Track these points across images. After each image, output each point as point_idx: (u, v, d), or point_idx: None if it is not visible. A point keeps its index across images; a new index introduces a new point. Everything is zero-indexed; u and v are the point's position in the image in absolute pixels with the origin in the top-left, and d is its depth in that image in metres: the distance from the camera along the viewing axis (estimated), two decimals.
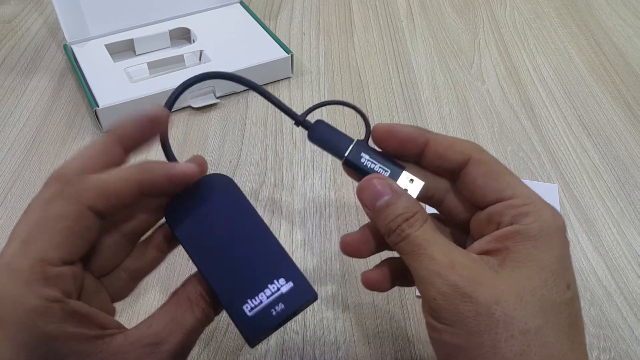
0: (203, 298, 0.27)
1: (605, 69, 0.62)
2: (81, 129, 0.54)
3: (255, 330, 0.25)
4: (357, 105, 0.37)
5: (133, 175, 0.26)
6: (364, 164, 0.30)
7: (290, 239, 0.44)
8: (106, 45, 0.59)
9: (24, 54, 0.63)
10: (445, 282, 0.25)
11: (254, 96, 0.58)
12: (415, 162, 0.30)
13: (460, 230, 0.31)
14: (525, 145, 0.53)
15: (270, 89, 0.59)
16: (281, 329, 0.38)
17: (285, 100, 0.57)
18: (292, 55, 0.58)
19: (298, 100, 0.57)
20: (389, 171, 0.29)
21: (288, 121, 0.55)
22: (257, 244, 0.27)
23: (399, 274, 0.31)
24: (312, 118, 0.31)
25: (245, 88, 0.58)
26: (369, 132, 0.31)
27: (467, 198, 0.29)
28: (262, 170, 0.50)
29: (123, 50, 0.61)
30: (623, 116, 0.56)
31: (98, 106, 0.51)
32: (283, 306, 0.26)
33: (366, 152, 0.30)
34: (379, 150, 0.30)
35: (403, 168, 0.29)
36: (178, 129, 0.54)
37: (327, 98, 0.58)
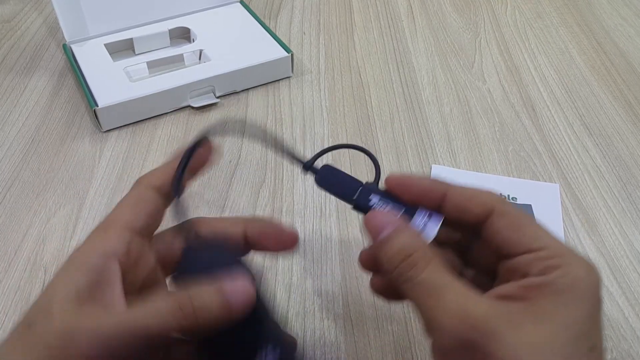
0: None
1: (607, 69, 0.62)
2: (80, 128, 0.53)
3: None
4: (366, 147, 0.35)
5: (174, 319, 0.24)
6: (374, 207, 0.28)
7: None
8: (105, 45, 0.59)
9: (23, 54, 0.63)
10: (457, 334, 0.23)
11: (254, 96, 0.58)
12: None
13: (483, 275, 0.28)
14: (527, 145, 0.53)
15: (270, 88, 0.59)
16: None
17: (285, 99, 0.57)
18: (292, 55, 0.58)
19: (298, 100, 0.57)
20: (403, 209, 0.28)
21: (288, 121, 0.55)
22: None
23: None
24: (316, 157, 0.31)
25: (245, 88, 0.58)
26: (379, 173, 0.30)
27: (493, 249, 0.26)
28: (262, 170, 0.50)
29: (122, 49, 0.61)
30: (624, 116, 0.56)
31: (97, 106, 0.51)
32: None
33: (376, 194, 0.28)
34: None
35: (417, 206, 0.28)
36: (178, 129, 0.54)
37: (327, 98, 0.57)
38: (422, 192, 0.28)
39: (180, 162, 0.28)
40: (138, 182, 0.28)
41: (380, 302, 0.40)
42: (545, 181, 0.49)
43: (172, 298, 0.24)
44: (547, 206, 0.47)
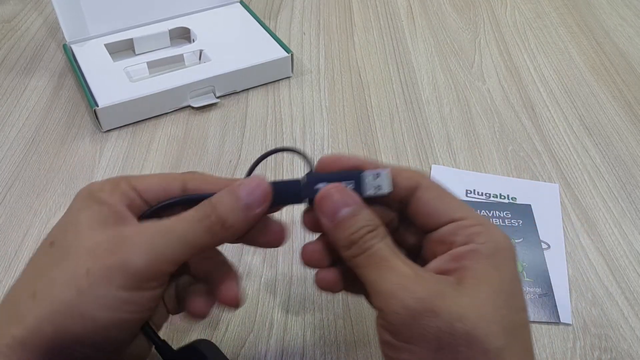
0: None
1: (606, 69, 0.62)
2: (80, 128, 0.53)
3: None
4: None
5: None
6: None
7: (291, 239, 0.44)
8: (106, 45, 0.59)
9: (24, 54, 0.63)
10: (411, 295, 0.24)
11: (254, 96, 0.58)
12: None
13: (409, 256, 0.29)
14: (526, 145, 0.53)
15: (270, 88, 0.59)
16: (281, 329, 0.38)
17: (285, 99, 0.57)
18: (292, 55, 0.58)
19: (298, 100, 0.57)
20: (353, 180, 0.28)
21: (288, 121, 0.55)
22: None
23: (349, 278, 0.29)
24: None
25: (245, 88, 0.58)
26: (310, 163, 0.29)
27: (419, 222, 0.28)
28: (262, 169, 0.50)
29: (123, 49, 0.61)
30: (624, 116, 0.56)
31: (97, 106, 0.51)
32: None
33: (320, 180, 0.28)
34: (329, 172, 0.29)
35: (361, 171, 0.28)
36: (178, 129, 0.54)
37: (327, 98, 0.58)
38: (354, 167, 0.28)
39: (252, 166, 0.30)
40: (182, 174, 0.29)
41: None
42: (545, 181, 0.49)
43: (197, 209, 0.26)
44: (546, 206, 0.47)
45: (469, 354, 0.23)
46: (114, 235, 0.25)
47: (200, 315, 0.30)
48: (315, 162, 0.29)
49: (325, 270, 0.29)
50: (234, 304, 0.29)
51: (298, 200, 0.29)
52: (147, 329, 0.28)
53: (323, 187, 0.27)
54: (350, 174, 0.28)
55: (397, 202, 0.28)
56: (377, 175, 0.28)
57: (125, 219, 0.27)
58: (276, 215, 0.29)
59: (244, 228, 0.27)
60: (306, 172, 0.29)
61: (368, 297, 0.29)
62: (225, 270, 0.30)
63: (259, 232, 0.29)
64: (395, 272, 0.25)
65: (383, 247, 0.26)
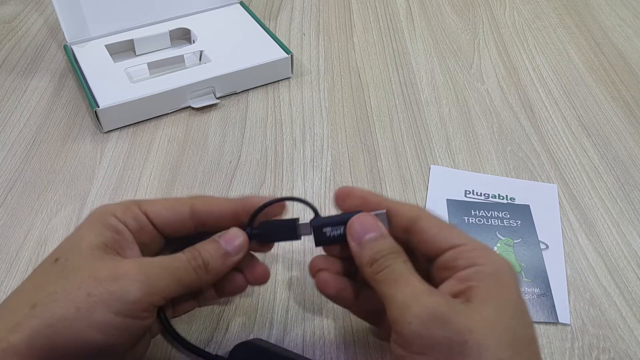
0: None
1: (605, 69, 0.63)
2: (81, 129, 0.54)
3: None
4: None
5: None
6: (330, 235, 0.32)
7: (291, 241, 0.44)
8: (106, 46, 0.59)
9: (24, 55, 0.63)
10: (423, 304, 0.26)
11: (254, 96, 0.58)
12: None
13: None
14: (525, 145, 0.53)
15: (270, 89, 0.59)
16: (281, 329, 0.38)
17: (285, 100, 0.58)
18: (292, 56, 0.59)
19: (298, 101, 0.57)
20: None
21: (288, 121, 0.55)
22: None
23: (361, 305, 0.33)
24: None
25: (245, 89, 0.58)
26: (315, 211, 0.33)
27: (422, 250, 0.30)
28: (262, 170, 0.50)
29: (123, 50, 0.61)
30: (622, 116, 0.56)
31: (98, 106, 0.51)
32: None
33: (324, 224, 0.32)
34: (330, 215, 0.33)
35: (359, 211, 0.32)
36: (178, 129, 0.54)
37: (326, 99, 0.58)
38: (363, 200, 0.32)
39: (256, 210, 0.33)
40: (190, 198, 0.33)
41: None
42: (543, 181, 0.50)
43: (185, 252, 0.30)
44: (545, 206, 0.47)
45: (502, 341, 0.25)
46: (115, 265, 0.28)
47: (242, 288, 0.34)
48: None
49: (329, 275, 0.33)
50: (265, 280, 0.34)
51: (295, 237, 0.33)
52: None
53: (356, 215, 0.31)
54: (349, 216, 0.31)
55: (402, 231, 0.31)
56: (377, 217, 0.31)
57: (128, 248, 0.30)
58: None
59: (223, 271, 0.31)
60: (311, 216, 0.33)
61: (377, 320, 0.34)
62: (249, 257, 0.34)
63: (246, 271, 0.34)
64: (410, 286, 0.27)
65: (402, 266, 0.29)
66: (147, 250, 0.32)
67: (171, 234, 0.32)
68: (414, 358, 0.25)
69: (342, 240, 0.32)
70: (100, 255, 0.28)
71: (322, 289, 0.33)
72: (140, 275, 0.27)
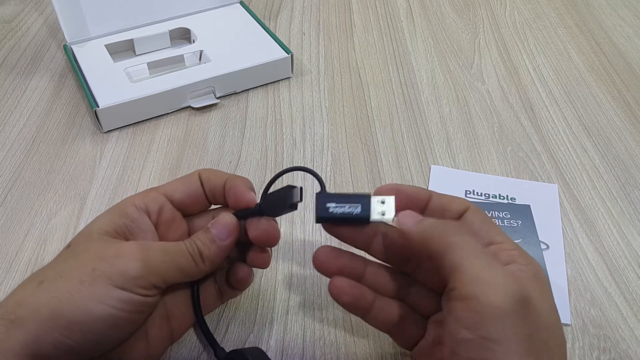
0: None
1: (605, 69, 0.62)
2: (81, 129, 0.54)
3: None
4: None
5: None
6: (333, 212, 0.31)
7: (291, 239, 0.44)
8: (106, 46, 0.59)
9: (24, 54, 0.63)
10: (516, 286, 0.26)
11: (254, 96, 0.58)
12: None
13: (428, 292, 0.34)
14: (525, 145, 0.53)
15: (270, 89, 0.59)
16: (281, 329, 0.38)
17: (285, 100, 0.57)
18: (292, 56, 0.58)
19: (298, 101, 0.57)
20: (359, 204, 0.30)
21: (288, 121, 0.55)
22: None
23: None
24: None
25: (245, 88, 0.58)
26: (322, 183, 0.32)
27: None
28: (262, 170, 0.50)
29: (123, 50, 0.61)
30: (623, 116, 0.56)
31: (98, 106, 0.51)
32: None
33: (329, 200, 0.31)
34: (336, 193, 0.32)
35: (369, 194, 0.31)
36: (178, 129, 0.54)
37: (326, 98, 0.58)
38: (411, 196, 0.32)
39: (268, 184, 0.34)
40: (196, 170, 0.35)
41: None
42: (544, 181, 0.49)
43: (184, 242, 0.32)
44: (545, 206, 0.47)
45: (561, 348, 0.27)
46: (119, 246, 0.30)
47: (248, 278, 0.35)
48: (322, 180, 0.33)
49: (344, 280, 0.33)
50: (266, 262, 0.35)
51: (296, 201, 0.31)
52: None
53: (402, 213, 0.30)
54: (358, 197, 0.30)
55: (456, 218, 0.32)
56: (383, 202, 0.30)
57: (141, 235, 0.32)
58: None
59: (218, 257, 0.32)
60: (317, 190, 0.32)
61: (393, 328, 0.33)
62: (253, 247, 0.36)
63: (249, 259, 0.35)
64: (493, 264, 0.26)
65: (470, 237, 0.28)
66: (171, 233, 0.34)
67: (189, 210, 0.35)
68: (487, 345, 0.24)
69: (348, 220, 0.30)
70: (109, 239, 0.31)
71: (336, 296, 0.32)
72: (141, 255, 0.29)
